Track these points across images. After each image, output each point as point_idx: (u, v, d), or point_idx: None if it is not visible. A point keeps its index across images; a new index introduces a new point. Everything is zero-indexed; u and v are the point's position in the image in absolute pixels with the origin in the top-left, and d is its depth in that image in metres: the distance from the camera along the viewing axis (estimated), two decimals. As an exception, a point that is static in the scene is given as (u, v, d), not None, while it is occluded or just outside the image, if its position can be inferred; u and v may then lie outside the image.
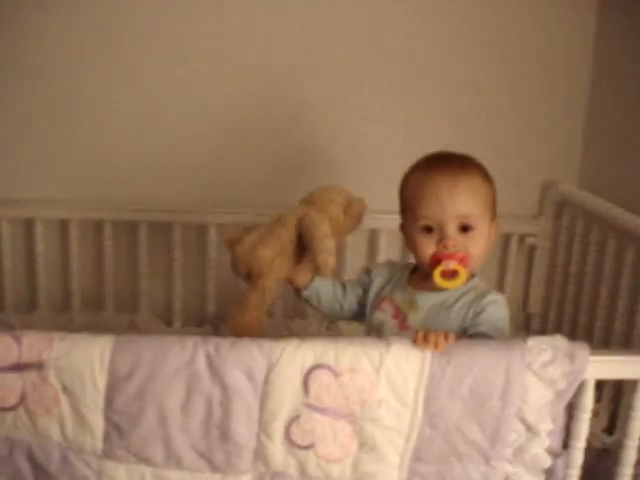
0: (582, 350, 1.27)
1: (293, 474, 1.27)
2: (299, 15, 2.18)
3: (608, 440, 1.80)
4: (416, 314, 1.46)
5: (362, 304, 1.60)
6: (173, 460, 1.25)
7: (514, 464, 1.29)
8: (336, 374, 1.22)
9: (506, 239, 2.38)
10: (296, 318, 2.29)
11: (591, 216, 2.13)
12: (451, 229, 1.41)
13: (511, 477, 1.30)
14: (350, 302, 1.61)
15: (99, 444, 1.26)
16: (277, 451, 1.25)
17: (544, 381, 1.25)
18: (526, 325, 2.44)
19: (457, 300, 1.45)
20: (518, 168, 2.35)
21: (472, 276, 1.49)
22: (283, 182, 2.24)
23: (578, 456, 1.36)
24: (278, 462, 1.26)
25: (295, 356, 1.22)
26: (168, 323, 2.26)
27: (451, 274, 1.39)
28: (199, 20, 2.14)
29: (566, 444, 1.36)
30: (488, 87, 2.30)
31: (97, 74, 2.14)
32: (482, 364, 1.24)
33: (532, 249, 2.39)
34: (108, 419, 1.24)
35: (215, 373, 1.22)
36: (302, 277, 1.58)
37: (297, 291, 1.61)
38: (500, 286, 2.41)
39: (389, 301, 1.51)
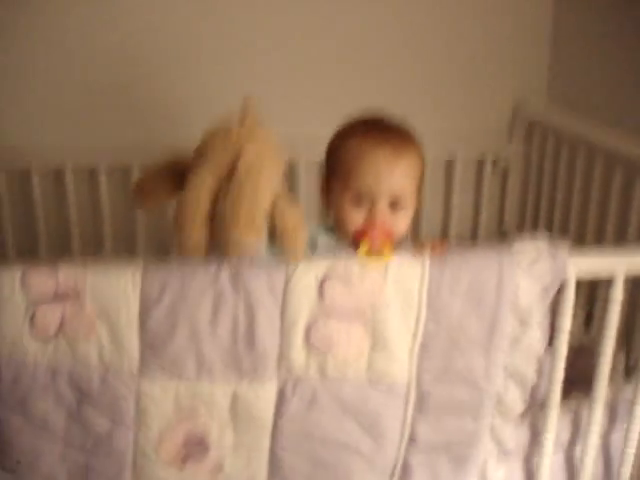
0: (562, 248, 1.41)
1: (313, 376, 1.36)
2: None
3: (585, 338, 1.97)
4: None
5: None
6: (204, 372, 1.34)
7: (511, 355, 1.41)
8: (347, 281, 1.32)
9: (480, 164, 2.50)
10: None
11: (560, 134, 2.23)
12: (383, 204, 1.44)
13: (509, 366, 1.41)
14: None
15: (135, 364, 1.32)
16: (298, 356, 1.35)
17: (532, 277, 1.37)
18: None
19: None
20: (487, 88, 2.44)
21: None
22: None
23: (563, 348, 1.49)
24: (299, 366, 1.35)
25: (309, 268, 1.32)
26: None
27: (376, 251, 1.37)
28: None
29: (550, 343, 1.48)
30: (454, 7, 2.35)
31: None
32: (476, 265, 1.36)
33: (505, 171, 2.51)
34: (143, 339, 1.31)
35: (238, 287, 1.30)
36: None
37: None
38: (476, 208, 2.55)
39: None
